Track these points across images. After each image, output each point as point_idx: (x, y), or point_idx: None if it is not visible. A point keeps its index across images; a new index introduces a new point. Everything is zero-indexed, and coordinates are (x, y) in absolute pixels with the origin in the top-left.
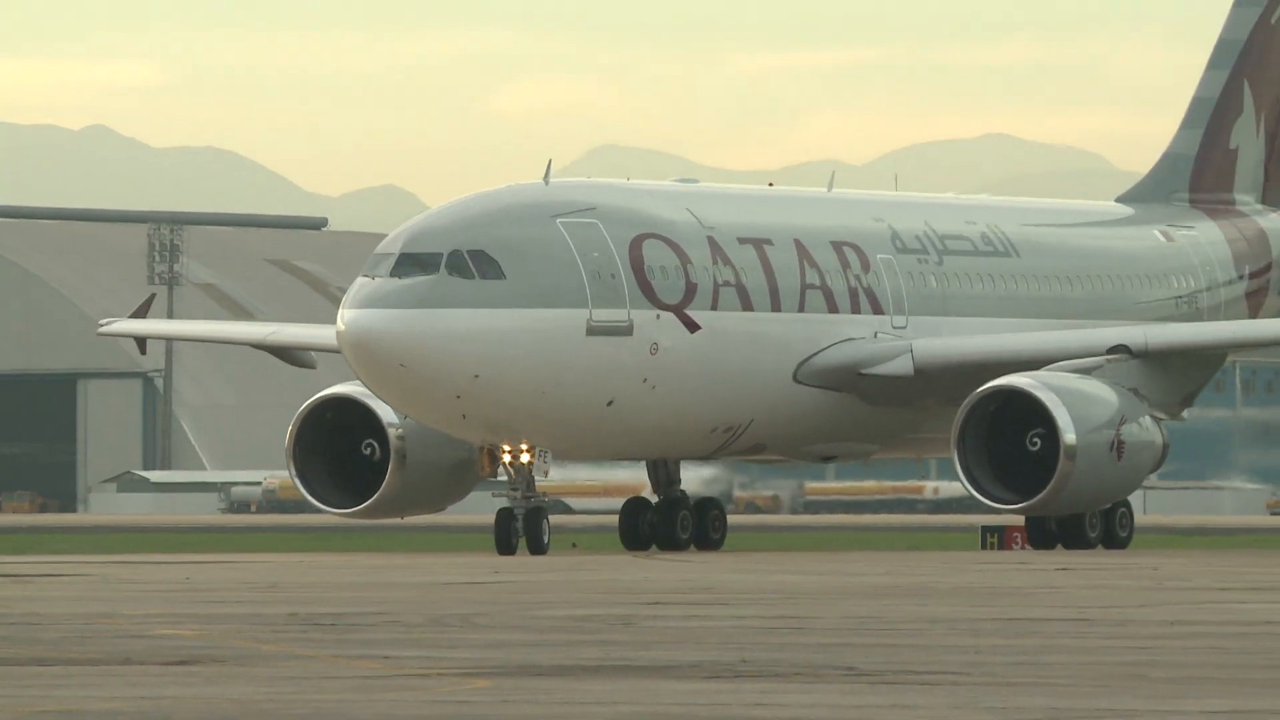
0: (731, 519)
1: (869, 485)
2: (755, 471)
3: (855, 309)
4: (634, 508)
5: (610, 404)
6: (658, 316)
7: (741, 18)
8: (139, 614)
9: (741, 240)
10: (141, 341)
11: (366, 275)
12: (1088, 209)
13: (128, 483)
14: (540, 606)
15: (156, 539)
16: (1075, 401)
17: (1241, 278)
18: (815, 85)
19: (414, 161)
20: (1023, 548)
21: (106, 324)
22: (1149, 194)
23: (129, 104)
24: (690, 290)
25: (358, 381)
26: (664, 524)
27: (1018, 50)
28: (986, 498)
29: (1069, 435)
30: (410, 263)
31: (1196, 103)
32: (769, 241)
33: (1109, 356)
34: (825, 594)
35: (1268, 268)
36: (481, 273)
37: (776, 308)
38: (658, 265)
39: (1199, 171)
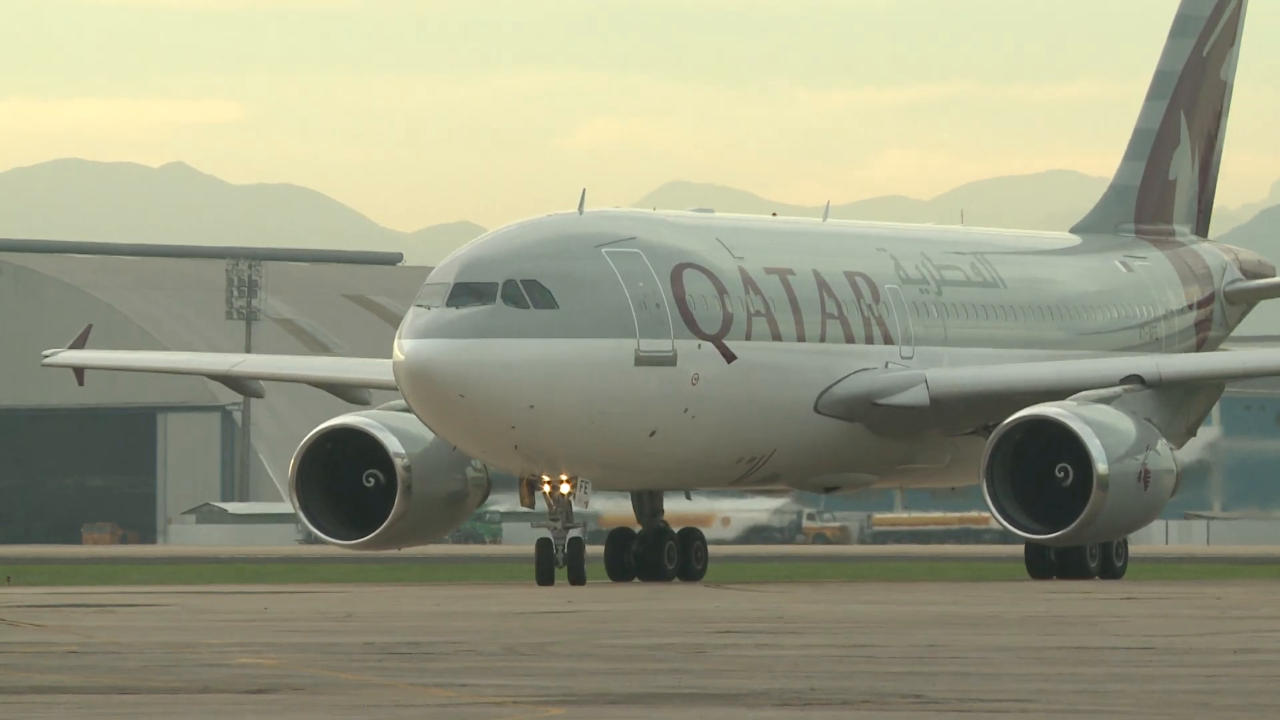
0: (801, 549)
1: (935, 516)
2: (824, 503)
3: (869, 339)
4: (620, 539)
5: (653, 434)
6: (699, 346)
7: (810, 55)
8: (219, 643)
9: (768, 270)
10: (79, 372)
11: (421, 305)
12: (1050, 240)
13: (206, 514)
14: (613, 636)
15: (235, 570)
16: (1103, 431)
17: (1191, 307)
18: (882, 122)
19: (487, 198)
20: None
21: (51, 354)
22: (1098, 225)
23: (208, 142)
24: (727, 320)
25: (357, 413)
26: (650, 554)
27: (1081, 89)
28: (1016, 528)
29: (1101, 465)
30: (465, 292)
31: (1138, 134)
32: (792, 272)
33: (1125, 386)
34: (893, 623)
35: (1211, 298)
36: (535, 302)
37: (801, 338)
38: (698, 295)
39: (1142, 203)
